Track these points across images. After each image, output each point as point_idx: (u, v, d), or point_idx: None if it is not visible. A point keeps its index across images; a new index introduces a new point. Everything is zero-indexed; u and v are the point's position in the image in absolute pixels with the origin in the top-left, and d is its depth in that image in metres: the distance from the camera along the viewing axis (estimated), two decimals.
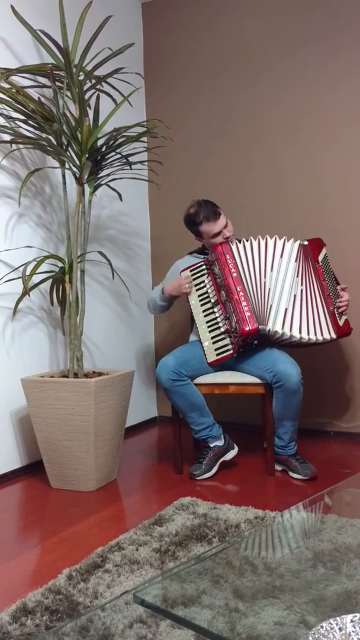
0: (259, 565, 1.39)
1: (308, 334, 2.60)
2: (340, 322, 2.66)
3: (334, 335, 2.63)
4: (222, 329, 2.69)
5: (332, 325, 2.64)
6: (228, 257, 2.65)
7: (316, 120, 3.26)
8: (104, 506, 2.39)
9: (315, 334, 2.60)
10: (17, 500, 2.51)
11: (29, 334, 2.90)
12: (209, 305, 2.73)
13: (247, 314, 2.58)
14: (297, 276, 2.64)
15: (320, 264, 2.67)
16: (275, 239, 2.68)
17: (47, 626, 1.50)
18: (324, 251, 2.71)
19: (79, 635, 1.39)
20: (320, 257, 2.68)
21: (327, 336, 2.62)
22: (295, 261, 2.64)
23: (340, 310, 2.69)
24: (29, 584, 1.77)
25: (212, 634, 1.14)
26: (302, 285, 2.64)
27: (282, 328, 2.58)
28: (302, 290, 2.63)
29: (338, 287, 2.74)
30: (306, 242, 2.68)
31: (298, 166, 3.33)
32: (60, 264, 2.90)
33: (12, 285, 2.79)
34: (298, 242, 2.67)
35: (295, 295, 2.62)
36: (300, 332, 2.59)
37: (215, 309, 2.71)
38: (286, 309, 2.60)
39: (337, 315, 2.65)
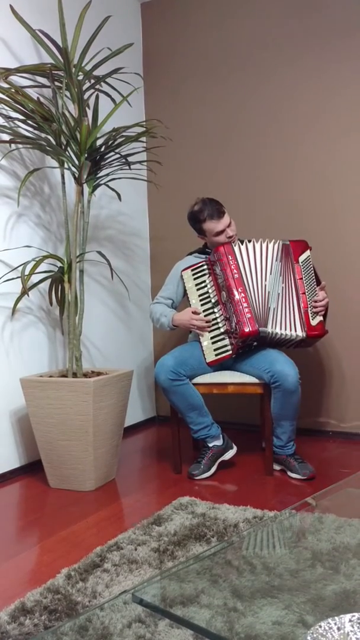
0: (258, 565, 1.40)
1: (281, 328, 2.63)
2: (313, 322, 2.64)
3: (303, 334, 2.62)
4: (222, 330, 2.69)
5: (303, 323, 2.63)
6: (230, 257, 2.65)
7: (318, 121, 3.26)
8: (102, 506, 2.40)
9: (287, 329, 2.63)
10: (16, 500, 2.51)
11: (28, 334, 2.90)
12: (209, 305, 2.73)
13: (248, 315, 2.59)
14: (280, 275, 2.67)
15: (300, 264, 2.68)
16: (274, 242, 2.70)
17: (46, 626, 1.51)
18: (306, 253, 2.71)
19: (78, 635, 1.39)
20: (302, 258, 2.69)
21: (297, 333, 2.62)
22: (280, 261, 2.68)
23: (315, 310, 2.66)
24: (27, 583, 1.77)
25: (211, 634, 1.15)
26: (283, 283, 2.66)
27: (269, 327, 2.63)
28: (282, 288, 2.65)
29: (317, 288, 2.71)
30: (287, 242, 2.70)
31: (298, 166, 3.33)
32: (59, 264, 2.90)
33: (11, 285, 2.80)
34: (280, 242, 2.70)
35: (278, 294, 2.65)
36: (277, 329, 2.63)
37: (216, 309, 2.71)
38: (274, 309, 2.63)
39: (309, 315, 2.64)
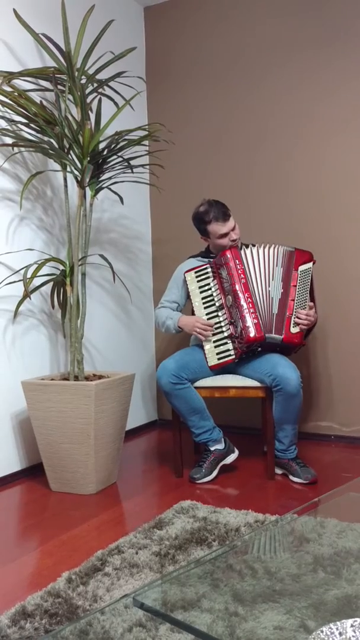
0: (259, 569, 1.39)
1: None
2: (292, 330, 2.63)
3: (278, 336, 2.62)
4: (226, 334, 2.69)
5: (281, 327, 2.63)
6: (237, 262, 2.66)
7: (319, 124, 3.27)
8: (103, 509, 2.39)
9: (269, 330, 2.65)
10: (17, 503, 2.51)
11: (29, 337, 2.91)
12: (213, 308, 2.73)
13: (254, 321, 2.59)
14: (281, 281, 2.68)
15: (299, 272, 2.67)
16: (277, 247, 2.70)
17: (47, 629, 1.50)
18: (308, 265, 2.70)
19: (78, 639, 1.39)
20: (302, 268, 2.68)
21: (274, 335, 2.63)
22: (282, 267, 2.68)
23: (297, 320, 2.63)
24: (28, 587, 1.76)
25: (212, 638, 1.14)
26: (282, 289, 2.67)
27: None
28: (281, 293, 2.66)
29: (307, 303, 2.68)
30: (293, 249, 2.70)
31: (301, 170, 3.33)
32: (61, 267, 2.91)
33: (13, 288, 2.80)
34: (285, 248, 2.70)
35: (279, 299, 2.67)
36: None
37: (220, 313, 2.71)
38: (276, 314, 2.65)
39: (291, 321, 2.64)
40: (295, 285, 2.66)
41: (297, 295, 2.65)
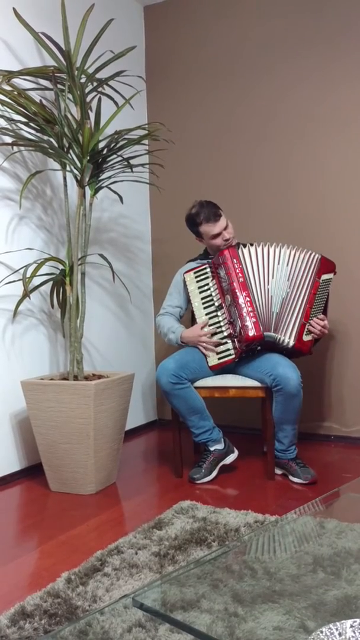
0: (259, 570, 1.39)
1: (276, 331, 2.65)
2: (305, 337, 2.63)
3: (292, 342, 2.62)
4: (225, 333, 2.68)
5: (296, 332, 2.63)
6: (235, 261, 2.65)
7: (320, 122, 3.26)
8: (103, 509, 2.39)
9: (281, 333, 2.64)
10: (16, 503, 2.51)
11: (29, 337, 2.90)
12: (212, 308, 2.73)
13: (253, 319, 2.58)
14: (287, 280, 2.66)
15: (320, 281, 2.66)
16: (278, 246, 2.68)
17: (46, 630, 1.50)
18: (329, 275, 2.69)
19: (78, 639, 1.38)
20: (324, 277, 2.67)
21: (286, 338, 2.63)
22: (287, 265, 2.66)
23: (310, 327, 2.64)
24: (27, 587, 1.76)
25: (211, 639, 1.14)
26: (289, 288, 2.65)
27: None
28: (288, 293, 2.65)
29: (320, 315, 2.68)
30: (320, 256, 2.68)
31: (302, 169, 3.33)
32: (60, 267, 2.90)
33: (12, 287, 2.79)
34: (315, 254, 2.68)
35: (283, 299, 2.65)
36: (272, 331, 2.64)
37: (219, 313, 2.70)
38: (277, 313, 2.64)
39: (305, 328, 2.63)
40: (315, 293, 2.64)
41: (315, 304, 2.64)
